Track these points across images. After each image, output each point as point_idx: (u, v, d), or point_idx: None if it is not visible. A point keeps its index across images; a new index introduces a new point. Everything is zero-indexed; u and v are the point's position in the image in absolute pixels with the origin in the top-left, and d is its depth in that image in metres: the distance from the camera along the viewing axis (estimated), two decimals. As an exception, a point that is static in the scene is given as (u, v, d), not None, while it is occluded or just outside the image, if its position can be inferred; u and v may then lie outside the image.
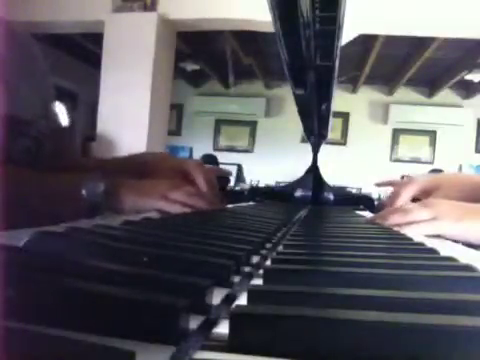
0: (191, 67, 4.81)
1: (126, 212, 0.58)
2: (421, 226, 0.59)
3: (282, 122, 5.38)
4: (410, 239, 0.48)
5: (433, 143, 5.28)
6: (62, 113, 4.57)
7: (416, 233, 0.58)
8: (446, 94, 5.10)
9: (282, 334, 0.15)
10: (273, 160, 5.36)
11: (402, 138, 5.33)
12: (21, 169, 0.54)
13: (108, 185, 0.55)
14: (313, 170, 1.45)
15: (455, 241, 0.56)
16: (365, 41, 3.67)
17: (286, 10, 0.53)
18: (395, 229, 0.58)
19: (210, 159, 4.57)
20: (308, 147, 1.48)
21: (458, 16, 2.67)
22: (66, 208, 0.54)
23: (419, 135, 5.29)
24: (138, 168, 0.75)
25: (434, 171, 4.44)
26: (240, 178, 5.58)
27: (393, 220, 0.63)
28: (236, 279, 0.24)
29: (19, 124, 0.61)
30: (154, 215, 0.56)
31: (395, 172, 5.25)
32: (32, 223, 0.31)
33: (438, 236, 0.59)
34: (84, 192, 0.53)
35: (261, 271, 0.26)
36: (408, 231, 0.57)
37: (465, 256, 0.34)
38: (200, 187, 0.71)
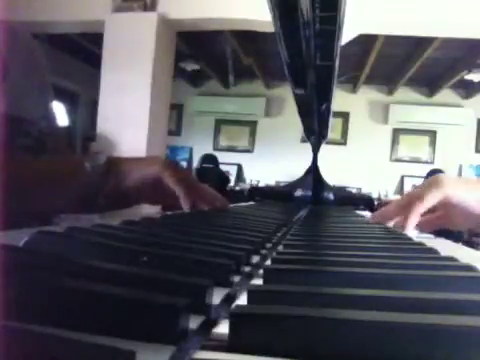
0: (191, 67, 4.81)
1: (129, 184, 0.57)
2: (428, 195, 0.57)
3: (282, 122, 5.38)
4: (410, 239, 0.48)
5: (433, 143, 5.28)
6: (62, 113, 4.58)
7: (425, 204, 0.56)
8: (446, 94, 5.10)
9: (282, 334, 0.15)
10: (273, 160, 5.36)
11: (402, 138, 5.33)
12: (24, 158, 0.55)
13: (109, 159, 0.56)
14: (313, 170, 1.45)
15: (455, 241, 0.56)
16: (365, 41, 3.66)
17: (286, 10, 0.53)
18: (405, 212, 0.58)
19: (210, 159, 4.57)
20: (308, 147, 1.48)
21: (458, 16, 2.67)
22: (71, 184, 0.55)
23: (419, 135, 5.29)
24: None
25: (434, 171, 4.44)
26: (240, 178, 5.58)
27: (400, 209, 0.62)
28: (236, 279, 0.24)
29: (20, 124, 0.61)
30: (154, 213, 0.56)
31: (395, 172, 5.27)
32: (41, 204, 0.31)
33: (439, 235, 0.59)
34: (87, 165, 0.54)
35: (261, 271, 0.26)
36: (418, 208, 0.56)
37: (465, 256, 0.34)
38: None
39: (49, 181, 0.53)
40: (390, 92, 5.25)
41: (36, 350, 0.12)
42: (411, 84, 5.05)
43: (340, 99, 3.53)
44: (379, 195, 5.00)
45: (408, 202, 0.59)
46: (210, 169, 4.40)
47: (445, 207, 0.59)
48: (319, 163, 1.46)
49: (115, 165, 0.57)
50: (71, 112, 5.02)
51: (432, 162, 5.20)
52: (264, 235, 0.40)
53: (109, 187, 0.55)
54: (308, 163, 1.48)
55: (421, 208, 0.56)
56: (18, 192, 0.37)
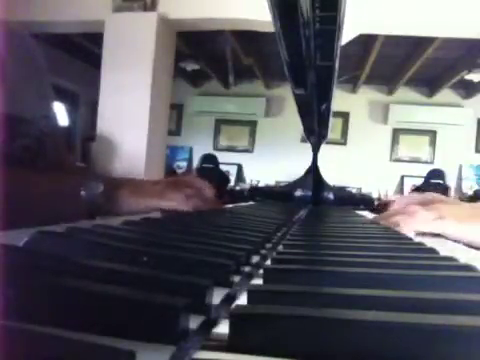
0: (191, 67, 4.80)
1: (125, 213, 0.58)
2: (425, 224, 0.58)
3: (282, 122, 5.38)
4: (410, 239, 0.48)
5: (433, 143, 5.27)
6: (62, 113, 4.58)
7: (420, 229, 0.57)
8: (446, 94, 5.09)
9: (282, 334, 0.15)
10: (273, 160, 5.36)
11: (402, 138, 5.33)
12: (20, 169, 0.54)
13: (107, 186, 0.55)
14: (313, 170, 1.45)
15: (456, 241, 0.56)
16: (365, 41, 3.66)
17: (286, 10, 0.53)
18: (397, 228, 0.58)
19: (210, 159, 4.58)
20: (308, 147, 1.48)
21: (458, 16, 2.67)
22: (65, 208, 0.54)
23: (419, 135, 5.29)
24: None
25: (434, 171, 4.44)
26: (240, 178, 5.58)
27: (397, 221, 0.63)
28: (236, 279, 0.24)
29: (20, 124, 0.61)
30: (154, 214, 0.56)
31: (395, 172, 5.27)
32: (31, 224, 0.31)
33: (438, 235, 0.58)
34: (83, 192, 0.53)
35: (261, 271, 0.26)
36: (412, 228, 0.57)
37: (465, 256, 0.34)
38: (200, 187, 0.71)
39: (41, 203, 0.51)
40: (390, 92, 5.25)
41: (36, 350, 0.12)
42: (411, 84, 5.05)
43: (340, 99, 3.53)
44: (379, 195, 5.00)
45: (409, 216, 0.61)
46: (210, 169, 4.40)
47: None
48: (319, 163, 1.46)
49: (112, 192, 0.57)
50: (71, 112, 5.01)
51: (432, 162, 5.20)
52: (264, 235, 0.40)
53: (103, 212, 0.55)
54: (308, 163, 1.48)
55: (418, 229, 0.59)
56: (8, 206, 0.37)
